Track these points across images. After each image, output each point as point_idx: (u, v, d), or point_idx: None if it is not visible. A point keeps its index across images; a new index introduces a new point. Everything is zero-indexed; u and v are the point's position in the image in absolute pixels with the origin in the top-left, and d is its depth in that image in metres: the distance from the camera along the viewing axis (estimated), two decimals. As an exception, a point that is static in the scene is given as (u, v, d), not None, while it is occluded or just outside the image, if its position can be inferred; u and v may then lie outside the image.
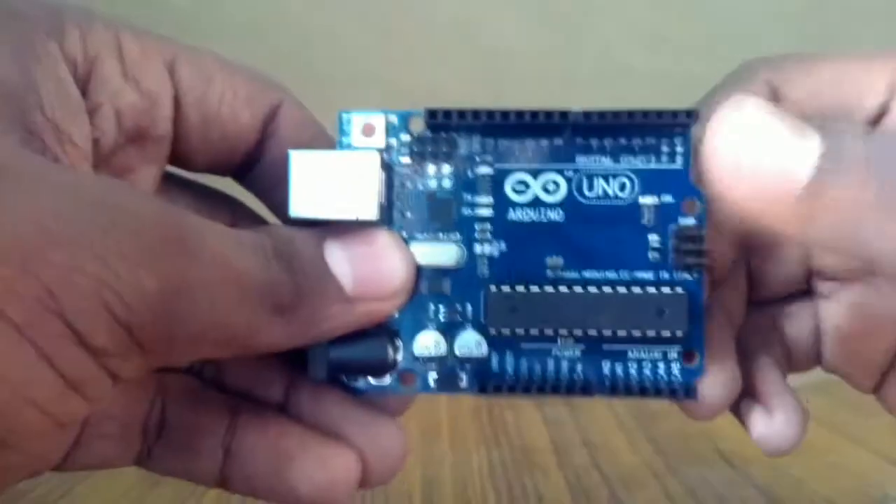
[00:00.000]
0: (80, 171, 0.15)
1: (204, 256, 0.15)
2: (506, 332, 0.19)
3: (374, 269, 0.18)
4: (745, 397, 0.21)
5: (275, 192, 0.21)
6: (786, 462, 0.38)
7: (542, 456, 0.41)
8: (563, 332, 0.19)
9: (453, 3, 0.69)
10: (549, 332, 0.19)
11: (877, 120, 0.21)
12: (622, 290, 0.19)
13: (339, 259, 0.18)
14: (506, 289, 0.19)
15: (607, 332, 0.19)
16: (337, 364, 0.19)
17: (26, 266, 0.13)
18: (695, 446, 0.41)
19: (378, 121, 0.20)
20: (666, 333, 0.19)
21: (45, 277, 0.13)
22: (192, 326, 0.15)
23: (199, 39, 0.21)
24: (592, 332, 0.19)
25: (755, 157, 0.16)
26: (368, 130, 0.20)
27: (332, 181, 0.19)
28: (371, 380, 0.20)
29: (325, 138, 0.22)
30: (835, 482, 0.37)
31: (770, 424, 0.21)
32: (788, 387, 0.21)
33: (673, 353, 0.20)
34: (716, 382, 0.20)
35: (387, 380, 0.20)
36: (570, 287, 0.19)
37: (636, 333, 0.19)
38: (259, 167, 0.21)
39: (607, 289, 0.19)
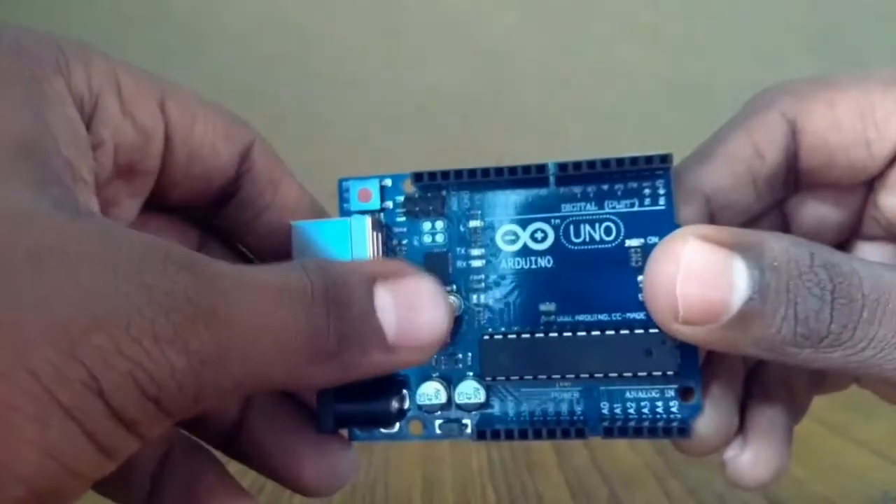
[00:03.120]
0: (117, 236, 0.15)
1: (236, 323, 0.15)
2: (500, 378, 0.20)
3: (417, 320, 0.18)
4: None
5: (249, 227, 0.22)
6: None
7: (542, 456, 0.40)
8: (557, 375, 0.20)
9: (453, 3, 0.69)
10: (542, 376, 0.20)
11: None
12: (610, 332, 0.20)
13: (387, 306, 0.17)
14: (497, 337, 0.20)
15: (599, 374, 0.20)
16: (344, 416, 0.20)
17: (73, 351, 0.13)
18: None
19: (373, 186, 0.22)
20: (657, 372, 0.19)
21: (89, 361, 0.14)
22: (225, 385, 0.15)
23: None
24: (584, 375, 0.20)
25: (689, 290, 0.17)
26: (365, 196, 0.22)
27: (330, 246, 0.21)
28: (381, 429, 0.21)
29: (290, 176, 0.23)
30: (835, 482, 0.36)
31: (737, 456, 0.21)
32: (780, 432, 0.21)
33: (670, 392, 0.20)
34: (711, 422, 0.20)
35: (396, 427, 0.21)
36: (561, 332, 0.20)
37: (627, 374, 0.19)
38: (234, 202, 0.22)
39: (595, 332, 0.20)
